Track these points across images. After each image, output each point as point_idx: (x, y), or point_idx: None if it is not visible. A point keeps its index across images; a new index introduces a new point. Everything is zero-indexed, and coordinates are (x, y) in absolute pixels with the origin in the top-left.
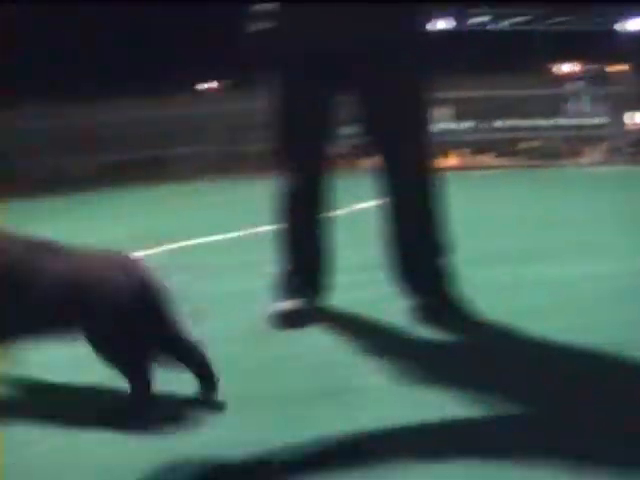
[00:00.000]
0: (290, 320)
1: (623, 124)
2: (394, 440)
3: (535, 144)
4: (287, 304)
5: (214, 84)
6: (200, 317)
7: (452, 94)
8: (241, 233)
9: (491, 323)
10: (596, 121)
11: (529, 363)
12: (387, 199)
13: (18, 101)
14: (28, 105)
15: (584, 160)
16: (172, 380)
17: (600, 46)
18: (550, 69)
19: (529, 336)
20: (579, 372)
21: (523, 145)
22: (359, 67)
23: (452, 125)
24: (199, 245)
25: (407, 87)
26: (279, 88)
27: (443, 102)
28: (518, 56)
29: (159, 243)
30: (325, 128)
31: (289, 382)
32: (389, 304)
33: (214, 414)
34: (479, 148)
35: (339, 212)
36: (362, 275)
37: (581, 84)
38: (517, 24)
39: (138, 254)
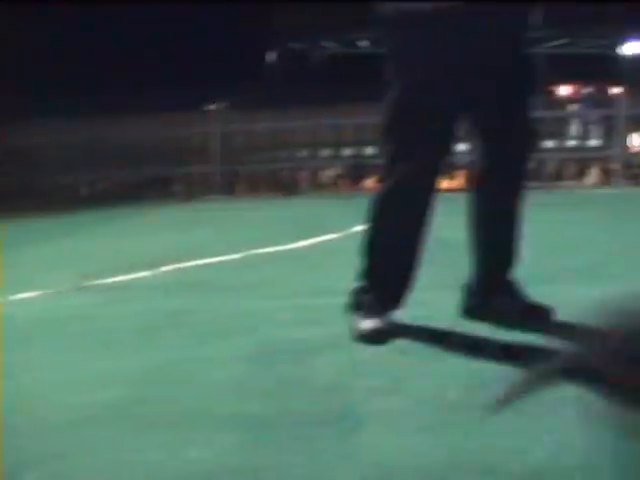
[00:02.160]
0: (374, 338)
1: (625, 146)
2: None
3: (537, 166)
4: (373, 323)
5: (219, 104)
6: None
7: None
8: (244, 254)
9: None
10: (598, 143)
11: None
12: (484, 211)
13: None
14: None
15: (586, 182)
16: None
17: (602, 69)
18: (552, 91)
19: None
20: None
21: None
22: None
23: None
24: (208, 265)
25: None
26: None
27: None
28: None
29: (168, 262)
30: (449, 140)
31: (298, 405)
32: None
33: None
34: None
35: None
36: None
37: (583, 106)
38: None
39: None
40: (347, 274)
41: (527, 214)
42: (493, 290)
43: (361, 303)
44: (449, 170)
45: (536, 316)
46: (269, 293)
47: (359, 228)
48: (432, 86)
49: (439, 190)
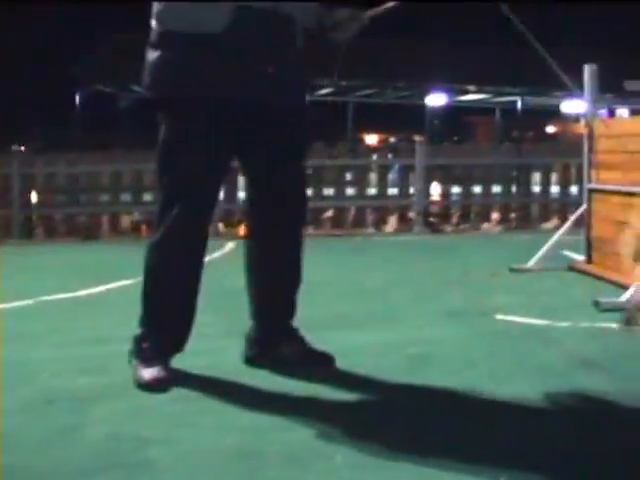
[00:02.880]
0: (155, 387)
1: (427, 194)
2: None
3: (340, 213)
4: (154, 371)
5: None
6: None
7: None
8: (35, 300)
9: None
10: (398, 191)
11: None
12: (259, 261)
13: None
14: None
15: (388, 229)
16: None
17: (407, 119)
18: (359, 139)
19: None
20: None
21: (328, 214)
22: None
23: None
24: None
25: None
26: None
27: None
28: (329, 127)
29: None
30: (217, 186)
31: (71, 455)
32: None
33: None
34: None
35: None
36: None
37: (388, 154)
38: (325, 95)
39: None
40: (136, 321)
41: (324, 261)
42: (275, 338)
43: (142, 351)
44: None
45: (317, 363)
46: (55, 341)
47: None
48: (196, 131)
49: (241, 236)
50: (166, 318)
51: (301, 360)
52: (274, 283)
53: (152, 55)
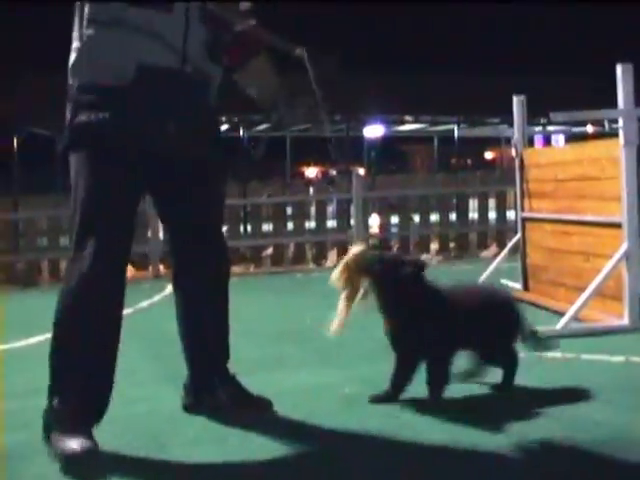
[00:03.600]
0: (84, 457)
1: (367, 227)
2: None
3: (279, 250)
4: (77, 443)
5: None
6: None
7: None
8: None
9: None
10: (340, 224)
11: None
12: (187, 309)
13: None
14: None
15: (328, 263)
16: None
17: (345, 151)
18: (297, 174)
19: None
20: None
21: (268, 251)
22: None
23: None
24: None
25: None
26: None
27: None
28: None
29: None
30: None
31: None
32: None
33: None
34: None
35: None
36: None
37: (327, 188)
38: (262, 131)
39: None
40: None
41: (264, 300)
42: (211, 385)
43: (60, 422)
44: None
45: (254, 408)
46: None
47: None
48: (107, 172)
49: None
50: (81, 381)
51: (238, 406)
52: (204, 330)
53: (69, 108)
